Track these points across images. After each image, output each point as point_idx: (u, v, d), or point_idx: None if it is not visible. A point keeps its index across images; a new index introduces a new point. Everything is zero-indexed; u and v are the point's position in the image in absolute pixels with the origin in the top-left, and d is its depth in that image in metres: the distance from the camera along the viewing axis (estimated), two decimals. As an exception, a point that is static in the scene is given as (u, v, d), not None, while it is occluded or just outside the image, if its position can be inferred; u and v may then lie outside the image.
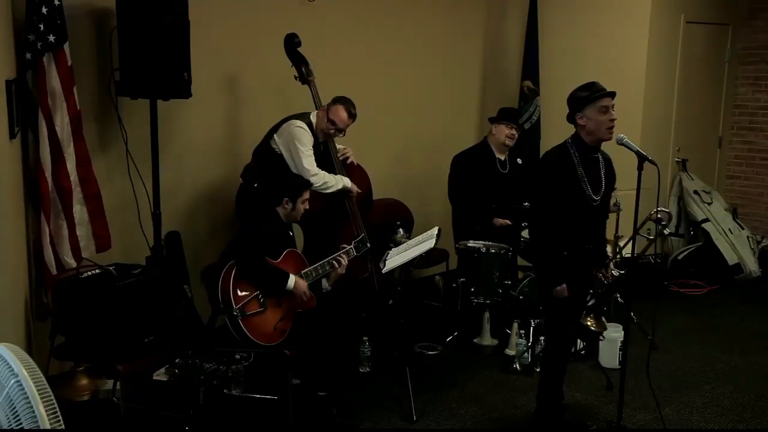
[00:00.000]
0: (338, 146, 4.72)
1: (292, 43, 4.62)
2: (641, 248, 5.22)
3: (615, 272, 4.73)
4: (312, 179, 4.29)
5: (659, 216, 4.38)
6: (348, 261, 4.04)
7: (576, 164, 3.47)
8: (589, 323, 4.20)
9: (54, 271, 3.86)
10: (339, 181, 4.51)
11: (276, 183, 4.02)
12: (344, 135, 4.56)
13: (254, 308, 3.68)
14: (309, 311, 3.93)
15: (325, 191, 4.44)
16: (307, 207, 3.99)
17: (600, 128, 3.44)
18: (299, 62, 4.62)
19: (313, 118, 4.48)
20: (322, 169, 4.46)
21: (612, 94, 3.45)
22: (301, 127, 4.36)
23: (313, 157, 4.41)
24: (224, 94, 4.88)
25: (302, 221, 4.59)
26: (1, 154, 3.25)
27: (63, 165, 3.87)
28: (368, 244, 4.23)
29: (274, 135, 4.40)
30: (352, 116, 4.48)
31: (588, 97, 3.43)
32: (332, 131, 4.47)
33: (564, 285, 3.51)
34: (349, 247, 4.08)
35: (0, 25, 3.37)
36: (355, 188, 4.63)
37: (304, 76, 4.64)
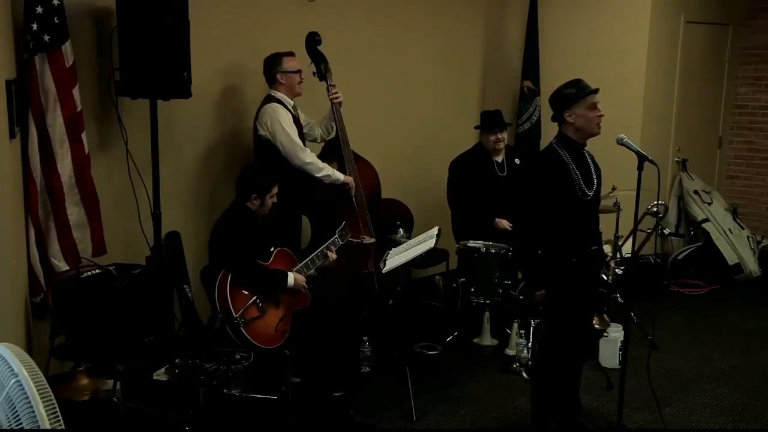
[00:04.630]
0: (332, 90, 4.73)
1: (313, 41, 4.74)
2: (640, 245, 5.20)
3: (618, 270, 4.73)
4: (301, 156, 4.36)
5: (656, 209, 4.38)
6: (335, 250, 4.07)
7: (568, 163, 3.46)
8: (593, 321, 4.18)
9: (40, 273, 3.84)
10: (329, 169, 4.52)
11: (243, 179, 4.03)
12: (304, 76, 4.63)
13: (254, 313, 3.68)
14: (308, 310, 3.93)
15: (316, 174, 4.45)
16: (275, 201, 4.00)
17: (590, 124, 3.43)
18: (319, 59, 4.73)
19: (277, 94, 4.52)
20: (332, 161, 4.51)
21: (597, 91, 3.46)
22: (276, 108, 4.41)
23: (298, 135, 4.46)
24: (225, 93, 4.88)
25: (309, 212, 4.63)
26: (1, 154, 3.25)
27: (54, 166, 3.87)
28: (372, 240, 4.24)
29: (257, 124, 4.45)
30: (293, 53, 4.59)
31: (576, 94, 3.42)
32: (302, 79, 4.57)
33: (543, 291, 3.49)
34: (334, 237, 4.10)
35: (0, 25, 3.37)
36: (350, 181, 4.62)
37: (323, 72, 4.72)
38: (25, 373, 2.04)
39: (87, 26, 4.19)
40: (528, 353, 4.59)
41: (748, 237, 6.69)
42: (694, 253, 6.66)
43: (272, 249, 3.98)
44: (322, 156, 4.75)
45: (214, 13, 4.66)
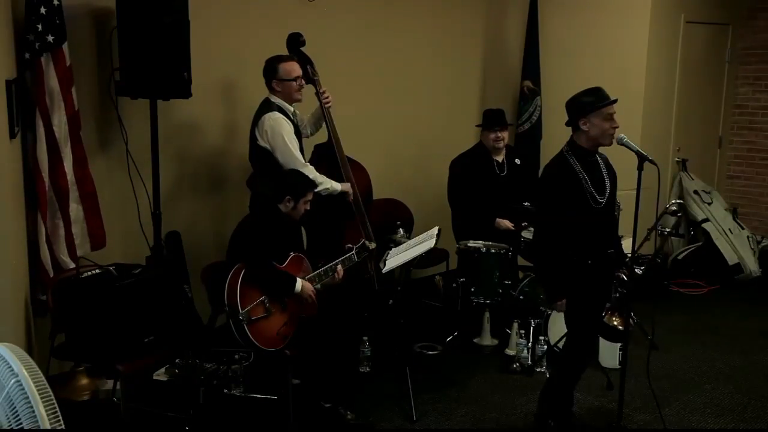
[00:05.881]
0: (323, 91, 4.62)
1: (296, 42, 4.59)
2: (657, 245, 5.16)
3: (637, 270, 4.69)
4: (302, 171, 4.26)
5: (674, 208, 4.36)
6: (348, 266, 4.02)
7: (578, 171, 3.46)
8: (615, 323, 4.11)
9: (50, 271, 3.85)
10: (327, 182, 4.43)
11: (280, 179, 4.01)
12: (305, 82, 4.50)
13: (259, 313, 3.66)
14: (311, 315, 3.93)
15: (315, 189, 4.38)
16: (308, 208, 3.98)
17: (604, 135, 3.44)
18: (303, 61, 4.58)
19: (276, 99, 4.37)
20: (326, 167, 4.44)
21: (615, 102, 3.46)
22: (278, 120, 4.28)
23: (299, 149, 4.36)
24: (224, 94, 4.88)
25: (305, 221, 4.59)
26: (1, 154, 3.25)
27: (60, 164, 3.87)
28: (374, 244, 4.22)
29: (256, 133, 4.35)
30: (293, 57, 4.47)
31: (594, 103, 3.41)
32: (300, 86, 4.39)
33: (564, 300, 3.50)
34: (350, 254, 4.06)
35: (0, 25, 3.37)
36: (349, 190, 4.56)
37: (309, 75, 4.59)
38: (25, 373, 2.04)
39: (87, 26, 4.19)
40: (528, 353, 4.59)
41: (748, 237, 6.70)
42: (694, 253, 6.66)
43: (291, 254, 3.95)
44: (313, 161, 4.71)
45: (214, 13, 4.66)
